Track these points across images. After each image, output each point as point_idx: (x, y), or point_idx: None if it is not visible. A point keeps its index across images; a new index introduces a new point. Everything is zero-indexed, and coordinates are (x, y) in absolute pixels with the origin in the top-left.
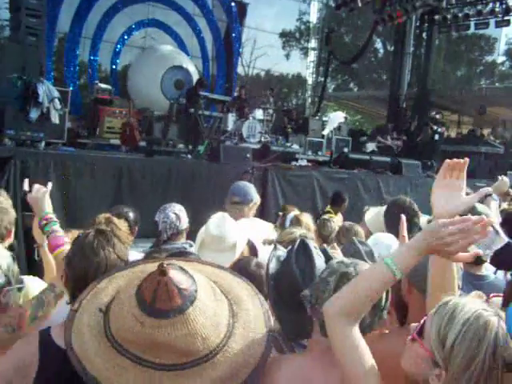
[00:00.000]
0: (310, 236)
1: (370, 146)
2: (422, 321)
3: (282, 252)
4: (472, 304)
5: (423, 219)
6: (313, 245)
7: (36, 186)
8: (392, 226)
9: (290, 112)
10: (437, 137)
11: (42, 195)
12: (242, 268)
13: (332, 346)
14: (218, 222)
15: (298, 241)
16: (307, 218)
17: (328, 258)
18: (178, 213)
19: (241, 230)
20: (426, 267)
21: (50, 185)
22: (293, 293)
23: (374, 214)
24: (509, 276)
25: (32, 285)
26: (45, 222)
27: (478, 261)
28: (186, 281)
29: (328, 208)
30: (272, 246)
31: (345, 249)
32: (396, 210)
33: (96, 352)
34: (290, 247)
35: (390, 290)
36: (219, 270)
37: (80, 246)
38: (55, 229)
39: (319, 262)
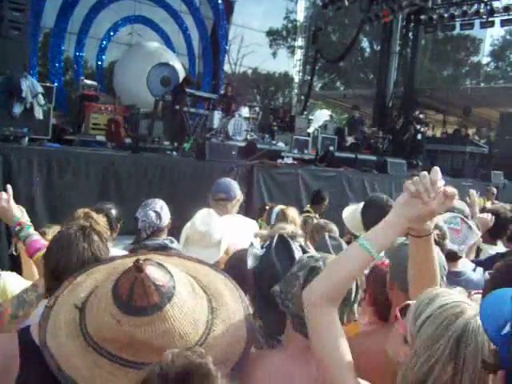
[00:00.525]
0: (300, 233)
1: (350, 140)
2: (406, 302)
3: (258, 250)
4: (455, 296)
5: None
6: (291, 240)
7: None
8: (370, 224)
9: (276, 110)
10: (419, 136)
11: (6, 202)
12: (240, 260)
13: (310, 332)
14: (204, 218)
15: (277, 236)
16: (293, 212)
17: (305, 253)
18: (158, 211)
19: (225, 227)
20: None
21: (9, 188)
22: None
23: (350, 211)
24: (487, 274)
25: (9, 280)
26: (18, 227)
27: (454, 257)
28: (163, 277)
29: (308, 207)
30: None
31: (318, 245)
32: (374, 209)
33: (72, 350)
34: (267, 243)
35: (368, 287)
36: (199, 264)
37: (57, 239)
38: (30, 232)
39: (299, 256)
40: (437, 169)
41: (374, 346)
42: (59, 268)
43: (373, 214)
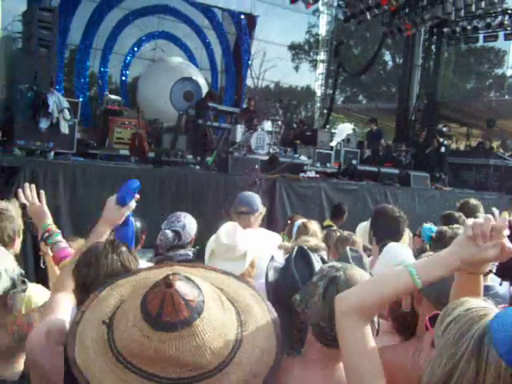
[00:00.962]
0: (323, 246)
1: (367, 152)
2: (435, 311)
3: (278, 263)
4: (483, 302)
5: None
6: (311, 252)
7: (30, 199)
8: (378, 234)
9: (302, 122)
10: (443, 149)
11: (40, 208)
12: None
13: (339, 342)
14: (229, 230)
15: (296, 248)
16: (314, 225)
17: (325, 263)
18: (179, 230)
19: (250, 239)
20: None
21: (42, 194)
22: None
23: (362, 226)
24: None
25: (35, 292)
26: (47, 234)
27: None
28: (192, 292)
29: (328, 221)
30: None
31: (339, 257)
32: (382, 219)
33: (100, 366)
34: (287, 256)
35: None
36: (224, 275)
37: (86, 252)
38: (58, 239)
39: (318, 268)
40: (506, 218)
41: (398, 361)
42: (89, 280)
43: (381, 224)
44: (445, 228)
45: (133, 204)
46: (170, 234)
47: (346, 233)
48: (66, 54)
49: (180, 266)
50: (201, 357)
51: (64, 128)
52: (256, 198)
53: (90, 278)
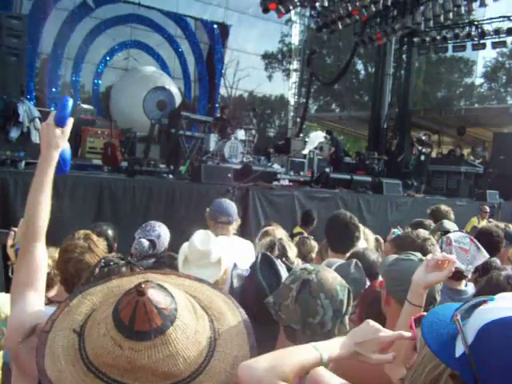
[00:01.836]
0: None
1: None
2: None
3: (242, 270)
4: None
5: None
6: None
7: None
8: (332, 240)
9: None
10: (422, 157)
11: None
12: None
13: None
14: (203, 237)
15: (260, 255)
16: (275, 230)
17: (288, 267)
18: (154, 239)
19: (224, 246)
20: (405, 278)
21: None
22: (261, 306)
23: None
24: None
25: (3, 301)
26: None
27: (459, 276)
28: (165, 299)
29: (297, 228)
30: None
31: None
32: (336, 225)
33: (72, 377)
34: (252, 262)
35: (357, 300)
36: (198, 283)
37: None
38: None
39: (284, 272)
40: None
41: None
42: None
43: (335, 231)
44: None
45: (71, 122)
46: (145, 242)
47: None
48: (37, 63)
49: (153, 274)
50: (174, 365)
51: (35, 137)
52: (234, 208)
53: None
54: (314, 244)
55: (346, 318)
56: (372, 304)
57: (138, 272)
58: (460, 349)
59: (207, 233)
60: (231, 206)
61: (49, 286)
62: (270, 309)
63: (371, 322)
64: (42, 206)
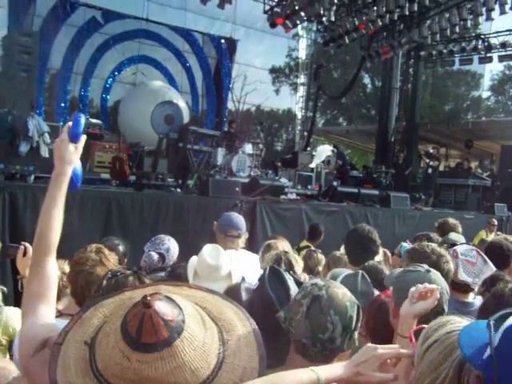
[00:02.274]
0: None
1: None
2: (422, 325)
3: (249, 284)
4: (465, 323)
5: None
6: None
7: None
8: (350, 253)
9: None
10: (430, 171)
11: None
12: None
13: None
14: (212, 252)
15: (269, 267)
16: (277, 243)
17: (297, 280)
18: (163, 253)
19: (234, 260)
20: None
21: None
22: (270, 318)
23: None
24: None
25: (11, 314)
26: None
27: (466, 288)
28: (172, 311)
29: (304, 242)
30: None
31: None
32: (354, 239)
33: None
34: (260, 275)
35: (364, 313)
36: (209, 294)
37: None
38: None
39: (292, 285)
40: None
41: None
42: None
43: (353, 244)
44: (416, 246)
45: (84, 139)
46: (155, 256)
47: (338, 253)
48: (47, 78)
49: (165, 286)
50: (181, 377)
51: (44, 152)
52: (243, 221)
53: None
54: (321, 257)
55: (356, 333)
56: (379, 315)
57: (151, 284)
58: (488, 351)
59: (216, 247)
60: (240, 220)
61: (57, 299)
62: (282, 323)
63: (370, 344)
64: (55, 220)
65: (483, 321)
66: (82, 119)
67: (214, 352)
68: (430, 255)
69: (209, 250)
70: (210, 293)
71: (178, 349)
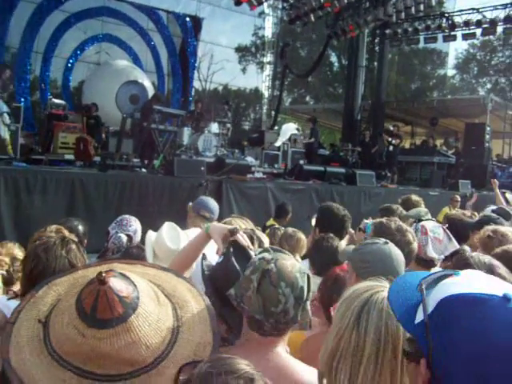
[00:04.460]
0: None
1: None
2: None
3: (209, 261)
4: (373, 282)
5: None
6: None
7: None
8: (323, 231)
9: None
10: (391, 148)
11: None
12: None
13: None
14: (171, 234)
15: (233, 243)
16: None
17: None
18: (131, 235)
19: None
20: (374, 259)
21: None
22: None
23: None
24: None
25: None
26: None
27: (431, 264)
28: (126, 288)
29: (271, 220)
30: None
31: None
32: (327, 218)
33: (36, 366)
34: (225, 249)
35: (320, 288)
36: (163, 271)
37: (36, 246)
38: None
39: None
40: None
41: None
42: (36, 273)
43: (326, 223)
44: (379, 220)
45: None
46: (124, 237)
47: (290, 229)
48: (7, 57)
49: (119, 263)
50: (136, 352)
51: (4, 133)
52: (217, 208)
53: (38, 270)
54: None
55: (308, 303)
56: (335, 287)
57: (105, 262)
58: (420, 316)
59: (174, 227)
60: (215, 205)
61: (10, 284)
62: (233, 301)
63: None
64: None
65: (410, 276)
66: None
67: (169, 328)
68: (393, 232)
69: (168, 232)
70: (163, 270)
71: (133, 324)
